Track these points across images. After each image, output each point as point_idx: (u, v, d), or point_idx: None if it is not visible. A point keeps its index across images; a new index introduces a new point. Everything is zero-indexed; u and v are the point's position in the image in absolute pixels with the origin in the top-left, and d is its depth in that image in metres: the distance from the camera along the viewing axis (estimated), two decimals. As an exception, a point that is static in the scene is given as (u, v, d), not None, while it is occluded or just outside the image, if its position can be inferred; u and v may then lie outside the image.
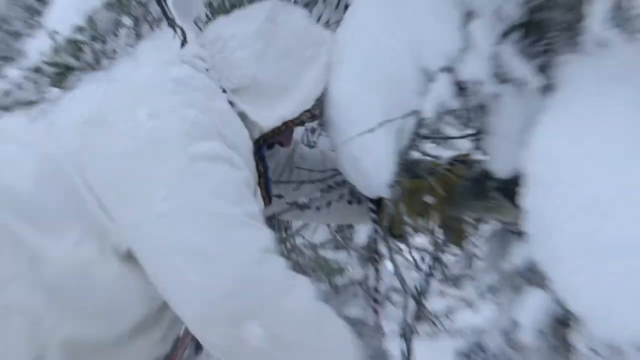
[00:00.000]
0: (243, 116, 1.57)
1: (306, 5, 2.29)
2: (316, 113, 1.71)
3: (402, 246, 1.97)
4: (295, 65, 1.64)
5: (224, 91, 1.58)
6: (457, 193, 1.78)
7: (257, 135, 1.62)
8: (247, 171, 1.48)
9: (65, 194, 1.38)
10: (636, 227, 1.29)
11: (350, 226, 2.31)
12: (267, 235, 1.37)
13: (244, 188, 1.43)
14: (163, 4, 1.58)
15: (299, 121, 1.70)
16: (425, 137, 1.84)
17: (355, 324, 1.40)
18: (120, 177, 1.36)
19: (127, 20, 1.63)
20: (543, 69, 1.57)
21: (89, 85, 1.57)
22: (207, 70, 1.58)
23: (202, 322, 1.28)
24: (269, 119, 1.59)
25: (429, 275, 1.82)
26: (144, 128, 1.37)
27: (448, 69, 1.49)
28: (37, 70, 1.53)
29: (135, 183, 1.35)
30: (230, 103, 1.57)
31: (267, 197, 1.76)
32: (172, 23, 1.57)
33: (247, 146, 1.56)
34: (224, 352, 1.32)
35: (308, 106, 1.64)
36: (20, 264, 1.32)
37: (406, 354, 1.53)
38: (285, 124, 1.64)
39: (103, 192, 1.37)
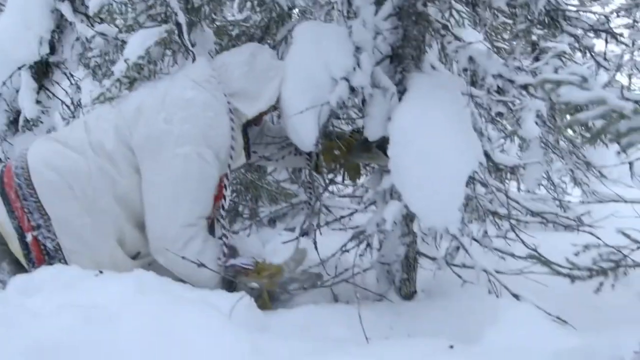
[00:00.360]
0: (235, 110, 2.34)
1: (274, 47, 3.09)
2: (276, 106, 2.43)
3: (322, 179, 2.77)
4: (264, 81, 2.36)
5: (225, 95, 2.32)
6: (354, 149, 2.53)
7: (244, 121, 2.39)
8: (213, 163, 2.23)
9: (124, 148, 2.23)
10: (443, 165, 2.07)
11: (299, 170, 3.17)
12: (196, 218, 2.21)
13: (200, 181, 2.22)
14: (182, 39, 2.45)
15: (267, 112, 2.50)
16: (337, 117, 2.74)
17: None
18: (145, 148, 2.21)
19: (168, 52, 2.48)
20: (400, 81, 2.39)
21: (143, 89, 2.39)
22: (219, 83, 2.33)
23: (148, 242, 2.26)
24: (252, 110, 2.36)
25: (339, 195, 2.73)
26: (160, 127, 2.20)
27: (346, 79, 2.23)
28: (118, 80, 2.36)
29: (149, 156, 2.21)
30: (228, 102, 2.32)
31: (248, 154, 2.56)
32: (187, 49, 2.45)
33: (225, 136, 2.27)
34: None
35: (272, 103, 2.37)
36: (107, 184, 2.19)
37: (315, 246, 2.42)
38: (261, 113, 2.42)
39: (136, 152, 2.22)
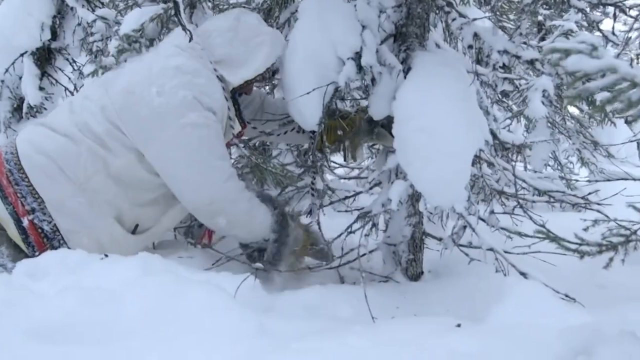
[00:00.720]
0: (221, 78, 2.25)
1: (277, 29, 3.05)
2: (265, 76, 2.43)
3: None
4: (250, 47, 2.28)
5: (211, 62, 2.24)
6: (359, 130, 2.50)
7: (231, 88, 2.30)
8: (218, 124, 2.19)
9: (114, 130, 2.14)
10: (449, 143, 2.05)
11: (304, 153, 3.16)
12: (229, 169, 2.21)
13: (215, 140, 2.18)
14: (179, 17, 2.40)
15: (254, 80, 2.38)
16: (342, 98, 2.71)
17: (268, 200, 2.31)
18: (145, 128, 2.14)
19: (165, 31, 2.43)
20: (404, 60, 2.35)
21: (128, 64, 2.31)
22: (202, 49, 2.24)
23: (195, 214, 2.29)
24: (236, 79, 2.27)
25: (348, 178, 2.71)
26: (154, 102, 2.11)
27: (353, 58, 2.19)
28: (113, 56, 2.33)
29: (155, 134, 2.13)
30: (215, 69, 2.24)
31: (242, 122, 2.46)
32: (184, 28, 2.40)
33: (221, 101, 2.21)
34: (209, 226, 2.33)
35: (260, 72, 2.29)
36: (98, 164, 2.12)
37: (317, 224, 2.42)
38: (247, 82, 2.31)
39: (133, 136, 2.13)
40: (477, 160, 2.29)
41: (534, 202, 2.69)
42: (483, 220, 2.28)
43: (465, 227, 2.13)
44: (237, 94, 2.42)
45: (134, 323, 1.40)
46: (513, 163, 2.46)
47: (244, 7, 3.46)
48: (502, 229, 2.42)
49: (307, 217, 2.38)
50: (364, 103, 2.99)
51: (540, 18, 5.38)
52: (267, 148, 3.51)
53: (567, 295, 1.80)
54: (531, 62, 2.04)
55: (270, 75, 2.54)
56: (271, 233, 2.28)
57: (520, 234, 2.41)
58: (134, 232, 2.25)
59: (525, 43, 2.11)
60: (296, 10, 3.42)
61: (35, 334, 1.25)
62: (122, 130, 2.15)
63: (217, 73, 2.28)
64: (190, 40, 2.25)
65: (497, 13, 4.39)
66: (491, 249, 2.01)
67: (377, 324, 1.67)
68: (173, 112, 2.12)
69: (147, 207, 2.26)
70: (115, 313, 1.40)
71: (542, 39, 4.81)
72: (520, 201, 2.59)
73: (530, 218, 2.02)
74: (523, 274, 1.91)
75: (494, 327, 1.64)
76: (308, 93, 2.18)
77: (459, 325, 1.69)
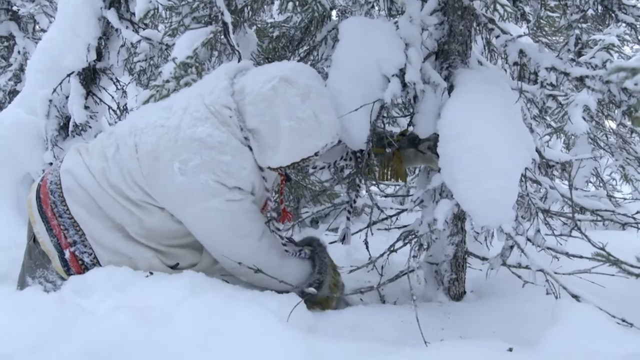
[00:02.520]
0: (252, 149, 2.04)
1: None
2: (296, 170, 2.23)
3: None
4: (279, 130, 1.98)
5: (242, 129, 2.02)
6: (407, 154, 2.45)
7: (263, 167, 2.08)
8: (246, 197, 2.03)
9: (144, 195, 2.05)
10: (496, 161, 1.97)
11: (341, 169, 3.09)
12: (256, 240, 2.04)
13: (240, 218, 2.02)
14: (228, 38, 2.44)
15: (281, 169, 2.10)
16: (384, 117, 2.66)
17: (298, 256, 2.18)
18: (169, 201, 2.04)
19: (215, 53, 2.43)
20: (447, 77, 2.32)
21: (161, 111, 2.11)
22: (230, 117, 2.01)
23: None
24: (261, 162, 2.06)
25: (385, 196, 2.65)
26: (177, 179, 1.97)
27: (397, 75, 2.17)
28: (167, 81, 2.30)
29: (178, 209, 2.04)
30: (246, 138, 2.03)
31: (286, 176, 2.30)
32: (233, 49, 2.41)
33: (249, 179, 2.04)
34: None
35: (283, 165, 2.03)
36: (133, 219, 2.07)
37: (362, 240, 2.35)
38: (271, 169, 2.08)
39: (161, 201, 2.05)
40: (523, 178, 2.22)
41: (579, 220, 2.60)
42: (529, 239, 2.20)
43: (512, 246, 2.06)
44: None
45: (186, 343, 1.38)
46: (564, 181, 2.37)
47: (283, 25, 3.51)
48: (549, 248, 2.34)
49: (341, 243, 2.33)
50: (402, 122, 2.98)
51: (576, 32, 5.27)
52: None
53: (623, 320, 1.71)
54: (580, 79, 1.98)
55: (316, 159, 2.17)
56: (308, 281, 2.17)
57: (567, 255, 2.34)
58: (173, 267, 2.18)
59: (573, 60, 2.04)
60: (333, 29, 3.46)
61: (92, 355, 1.24)
62: (151, 195, 2.08)
63: (249, 143, 2.06)
64: (239, 61, 2.18)
65: (535, 29, 4.32)
66: (541, 270, 1.93)
67: (429, 348, 1.62)
68: (195, 195, 2.00)
69: (186, 249, 2.20)
70: (167, 333, 1.39)
71: (579, 53, 4.70)
72: (564, 220, 2.50)
73: (589, 240, 1.93)
74: (575, 297, 1.83)
75: (548, 352, 1.57)
76: (355, 110, 2.13)
77: (510, 350, 1.63)
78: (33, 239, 2.17)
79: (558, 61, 2.05)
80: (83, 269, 2.10)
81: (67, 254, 2.09)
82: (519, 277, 2.08)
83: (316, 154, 2.06)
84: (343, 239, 2.33)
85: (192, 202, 2.01)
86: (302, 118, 1.98)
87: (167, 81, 2.30)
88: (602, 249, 1.71)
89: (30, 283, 2.15)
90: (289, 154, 2.01)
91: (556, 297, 1.92)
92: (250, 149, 2.06)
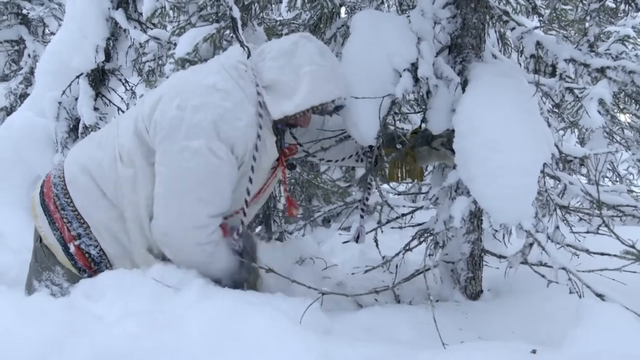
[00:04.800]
0: (263, 105, 2.00)
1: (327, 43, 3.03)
2: (317, 111, 2.02)
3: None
4: (298, 76, 1.99)
5: (257, 85, 2.00)
6: (419, 154, 2.36)
7: (272, 119, 2.02)
8: (227, 161, 1.92)
9: (140, 144, 1.98)
10: (515, 157, 1.90)
11: (353, 168, 3.02)
12: (205, 218, 1.92)
13: (208, 178, 1.91)
14: (237, 34, 2.36)
15: (298, 116, 2.03)
16: (395, 113, 2.59)
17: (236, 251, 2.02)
18: (156, 136, 1.94)
19: (220, 51, 2.34)
20: (460, 72, 2.26)
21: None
22: (246, 71, 2.00)
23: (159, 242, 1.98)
24: (275, 111, 2.00)
25: (398, 193, 2.58)
26: (170, 112, 1.93)
27: (409, 70, 2.10)
28: (167, 77, 2.25)
29: (160, 144, 1.93)
30: (259, 93, 2.00)
31: (281, 149, 2.16)
32: (242, 44, 2.33)
33: (243, 130, 1.95)
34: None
35: (302, 109, 1.99)
36: (127, 188, 1.98)
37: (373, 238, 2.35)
38: (288, 117, 2.01)
39: (151, 138, 1.96)
40: (541, 174, 2.14)
41: (598, 216, 2.51)
42: (549, 237, 2.12)
43: (531, 244, 1.98)
44: (281, 125, 2.15)
45: (198, 348, 1.33)
46: (578, 176, 2.28)
47: (292, 22, 3.46)
48: (568, 245, 2.26)
49: (355, 241, 2.26)
50: (414, 118, 2.91)
51: (587, 25, 5.15)
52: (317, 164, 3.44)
53: (651, 320, 1.63)
54: (601, 70, 1.90)
55: (329, 110, 2.13)
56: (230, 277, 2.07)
57: (588, 252, 2.26)
58: (163, 259, 2.07)
59: (592, 50, 1.96)
60: (342, 26, 3.40)
61: (100, 363, 1.19)
62: (146, 139, 2.01)
63: (260, 99, 2.03)
64: (248, 57, 2.14)
65: (546, 22, 4.23)
66: (563, 268, 1.86)
67: (448, 351, 1.55)
68: (182, 130, 1.93)
69: None
70: (178, 338, 1.33)
71: (591, 46, 4.59)
72: (581, 216, 2.42)
73: (618, 238, 1.85)
74: (600, 296, 1.75)
75: (574, 354, 1.50)
76: (363, 97, 2.06)
77: (534, 352, 1.56)
78: (39, 240, 2.12)
79: (577, 52, 1.97)
80: (90, 262, 2.05)
81: (72, 248, 2.04)
82: (543, 276, 2.00)
83: (333, 102, 2.05)
84: (357, 238, 2.26)
85: (175, 136, 1.93)
86: (321, 64, 2.02)
87: (167, 77, 2.22)
88: (632, 246, 1.63)
89: (37, 286, 2.10)
90: (309, 95, 2.00)
91: (580, 296, 1.84)
92: (260, 104, 2.02)
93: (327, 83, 2.01)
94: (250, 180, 2.04)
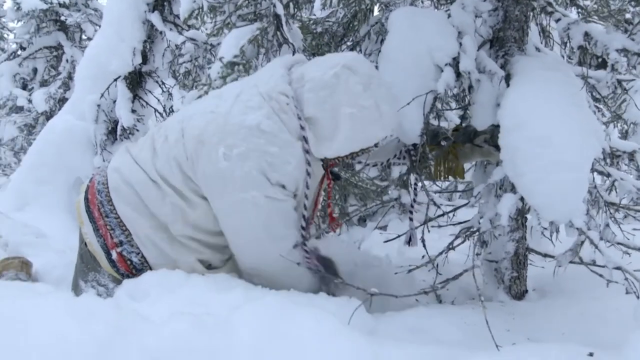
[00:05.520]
0: (307, 140, 1.93)
1: (357, 44, 2.95)
2: (353, 159, 2.02)
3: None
4: (338, 118, 1.89)
5: (299, 118, 1.92)
6: (461, 151, 2.32)
7: (318, 157, 1.97)
8: (285, 199, 1.92)
9: (188, 181, 1.98)
10: (565, 152, 1.84)
11: (389, 167, 2.95)
12: (281, 248, 1.92)
13: (274, 219, 1.92)
14: (282, 31, 2.31)
15: (339, 160, 2.02)
16: (438, 110, 2.53)
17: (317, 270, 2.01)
18: (209, 185, 1.95)
19: (262, 50, 2.33)
20: (503, 65, 2.19)
21: (212, 99, 2.06)
22: (288, 104, 1.91)
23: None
24: (317, 152, 1.95)
25: (438, 191, 2.50)
26: (220, 164, 1.90)
27: (451, 64, 2.06)
28: (215, 80, 2.24)
29: (215, 194, 1.94)
30: (302, 128, 1.92)
31: (332, 175, 2.16)
32: (287, 41, 2.29)
33: (294, 174, 1.92)
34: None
35: (341, 154, 1.94)
36: (177, 213, 1.98)
37: (419, 237, 2.22)
38: (328, 159, 1.98)
39: (201, 186, 1.96)
40: (591, 170, 2.05)
41: (646, 213, 2.41)
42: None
43: (582, 242, 1.90)
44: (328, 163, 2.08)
45: (248, 350, 1.31)
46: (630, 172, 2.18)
47: (326, 20, 3.42)
48: (619, 244, 2.17)
49: (408, 245, 2.21)
50: (451, 116, 2.83)
51: (628, 15, 4.98)
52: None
53: None
54: (657, 60, 1.81)
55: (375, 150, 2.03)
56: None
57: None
58: (208, 267, 2.10)
59: (645, 40, 1.87)
60: (376, 23, 3.35)
61: (152, 364, 1.17)
62: (194, 180, 2.00)
63: (304, 133, 1.94)
64: (293, 53, 2.09)
65: (586, 13, 4.08)
66: (619, 268, 1.77)
67: (502, 352, 1.49)
68: (235, 183, 1.91)
69: (223, 251, 2.12)
70: (228, 339, 1.31)
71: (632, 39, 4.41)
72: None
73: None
74: (659, 296, 1.67)
75: (637, 359, 1.42)
76: (408, 104, 2.03)
77: (591, 355, 1.49)
78: (85, 244, 2.14)
79: (630, 42, 1.88)
80: (132, 268, 2.04)
81: (114, 255, 2.04)
82: (601, 275, 1.91)
83: (376, 145, 1.95)
84: (409, 241, 2.20)
85: (230, 189, 1.92)
86: (363, 106, 1.89)
87: (215, 80, 2.21)
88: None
89: (83, 287, 2.12)
90: (348, 142, 1.92)
91: (638, 297, 1.75)
92: (305, 140, 1.94)
93: (369, 126, 1.92)
94: (305, 207, 2.03)
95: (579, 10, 3.45)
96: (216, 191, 1.96)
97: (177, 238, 2.04)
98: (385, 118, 1.93)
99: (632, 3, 2.15)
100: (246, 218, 1.94)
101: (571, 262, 1.98)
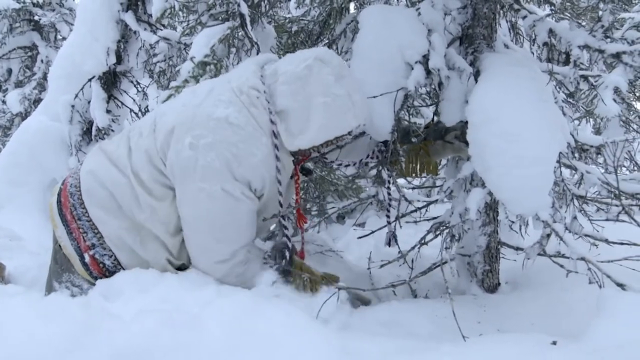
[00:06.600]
0: (277, 134, 1.94)
1: (333, 42, 2.98)
2: (335, 144, 2.00)
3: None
4: (312, 107, 1.91)
5: (270, 112, 1.93)
6: (433, 148, 2.35)
7: (291, 150, 1.97)
8: (245, 198, 1.92)
9: (157, 174, 1.98)
10: (531, 147, 1.87)
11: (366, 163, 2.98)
12: (226, 253, 1.92)
13: (225, 218, 1.92)
14: (246, 30, 2.34)
15: (313, 151, 2.02)
16: (409, 107, 2.57)
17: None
18: (173, 174, 1.95)
19: (232, 50, 2.34)
20: (472, 62, 2.24)
21: (182, 97, 2.08)
22: (258, 97, 1.93)
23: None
24: (290, 144, 1.95)
25: (412, 188, 2.53)
26: (183, 152, 1.91)
27: (421, 62, 2.09)
28: (186, 80, 2.25)
29: (178, 182, 1.94)
30: (272, 122, 1.93)
31: (299, 170, 2.14)
32: (251, 41, 2.31)
33: (259, 170, 1.92)
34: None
35: (316, 143, 1.94)
36: (149, 212, 1.98)
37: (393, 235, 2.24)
38: (302, 150, 1.98)
39: (168, 173, 1.96)
40: (557, 163, 2.11)
41: (617, 205, 2.47)
42: (566, 227, 2.09)
43: (549, 235, 1.96)
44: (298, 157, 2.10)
45: (217, 345, 1.33)
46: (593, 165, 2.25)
47: (301, 19, 3.44)
48: (587, 236, 2.23)
49: (388, 246, 2.24)
50: (425, 111, 2.88)
51: (600, 13, 5.08)
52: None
53: (674, 309, 1.59)
54: (617, 56, 1.86)
55: (347, 141, 2.09)
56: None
57: (607, 242, 2.23)
58: (180, 268, 2.09)
59: (607, 36, 1.93)
60: (352, 21, 3.38)
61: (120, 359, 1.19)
62: (162, 170, 2.01)
63: (274, 128, 1.97)
64: (257, 53, 2.11)
65: (557, 11, 4.16)
66: (582, 258, 1.83)
67: (468, 343, 1.53)
68: (196, 172, 1.92)
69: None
70: (197, 335, 1.33)
71: (605, 32, 4.50)
72: (626, 208, 2.36)
73: (639, 225, 1.82)
74: (621, 286, 1.72)
75: (596, 345, 1.47)
76: (375, 97, 2.06)
77: (554, 343, 1.54)
78: (59, 246, 2.14)
79: (591, 38, 1.94)
80: (105, 271, 2.04)
81: (87, 258, 2.04)
82: (562, 266, 1.97)
83: (349, 134, 1.98)
84: (389, 243, 2.24)
85: (191, 178, 1.93)
86: (337, 95, 1.92)
87: (186, 81, 2.22)
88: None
89: (57, 288, 2.12)
90: (322, 130, 1.93)
91: (600, 287, 1.81)
92: (275, 135, 1.96)
93: (342, 114, 1.94)
94: (281, 204, 2.04)
95: (552, 7, 3.53)
96: (178, 179, 1.97)
97: (150, 237, 2.03)
98: (358, 107, 1.96)
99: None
100: (199, 209, 1.94)
101: (541, 254, 2.03)
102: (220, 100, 1.97)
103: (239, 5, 2.20)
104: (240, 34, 2.28)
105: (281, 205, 2.06)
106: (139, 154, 2.04)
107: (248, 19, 2.07)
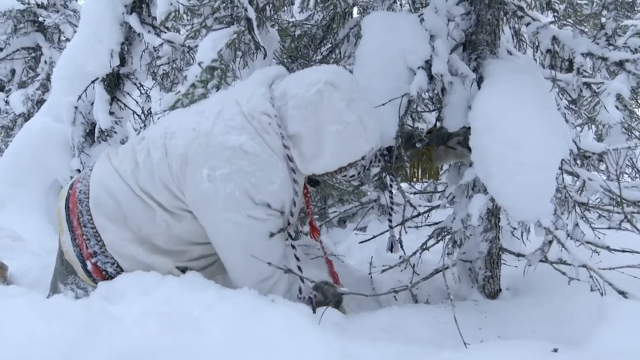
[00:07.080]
0: (291, 158, 1.96)
1: (336, 46, 2.98)
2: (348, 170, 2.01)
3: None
4: (323, 135, 1.91)
5: (282, 137, 1.94)
6: (437, 152, 2.34)
7: (305, 174, 2.01)
8: (270, 218, 1.94)
9: (174, 199, 1.99)
10: (533, 153, 1.89)
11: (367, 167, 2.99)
12: (265, 269, 1.91)
13: (257, 240, 1.93)
14: (253, 34, 2.36)
15: (326, 175, 2.04)
16: (412, 112, 2.58)
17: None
18: (195, 206, 1.97)
19: (238, 53, 2.33)
20: (475, 69, 2.24)
21: (194, 116, 2.04)
22: (270, 124, 1.93)
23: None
24: (304, 168, 1.97)
25: (414, 193, 2.54)
26: (203, 184, 1.92)
27: (424, 67, 2.10)
28: (193, 85, 2.25)
29: (201, 214, 1.97)
30: (285, 146, 1.94)
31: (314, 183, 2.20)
32: (257, 45, 2.32)
33: (278, 194, 1.94)
34: None
35: (330, 170, 1.97)
36: (163, 227, 2.00)
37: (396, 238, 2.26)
38: (316, 175, 2.02)
39: (188, 203, 1.97)
40: (559, 170, 2.11)
41: (619, 212, 2.47)
42: (568, 234, 2.09)
43: (551, 242, 1.96)
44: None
45: (217, 348, 1.33)
46: (596, 172, 2.25)
47: (305, 23, 3.45)
48: (588, 243, 2.23)
49: (389, 252, 2.25)
50: (428, 117, 2.88)
51: (603, 20, 5.09)
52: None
53: (676, 317, 1.59)
54: (620, 64, 1.87)
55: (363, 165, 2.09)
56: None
57: (609, 249, 2.23)
58: (183, 271, 2.10)
59: (610, 44, 1.93)
60: (355, 26, 3.39)
61: (121, 363, 1.19)
62: (181, 198, 2.02)
63: (288, 152, 1.97)
64: (264, 57, 2.10)
65: (560, 18, 4.17)
66: (584, 266, 1.83)
67: (469, 350, 1.53)
68: (219, 203, 1.93)
69: (202, 260, 2.14)
70: (198, 338, 1.33)
71: (608, 39, 4.51)
72: (629, 216, 2.35)
73: (640, 233, 1.82)
74: (622, 293, 1.72)
75: (597, 353, 1.47)
76: (383, 104, 2.07)
77: (555, 350, 1.54)
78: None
79: (594, 46, 1.95)
80: (107, 277, 2.05)
81: (89, 265, 2.05)
82: (563, 273, 1.97)
83: (362, 158, 1.99)
84: (392, 248, 2.24)
85: (214, 209, 1.95)
86: (348, 122, 1.92)
87: (194, 86, 2.22)
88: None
89: (62, 289, 2.13)
90: (335, 158, 1.96)
91: (601, 294, 1.81)
92: (290, 159, 1.97)
93: (355, 141, 1.95)
94: (289, 222, 2.06)
95: (555, 14, 3.54)
96: (202, 211, 1.99)
97: (157, 249, 2.05)
98: (370, 131, 1.96)
99: (610, 7, 2.18)
100: (228, 237, 1.97)
101: (543, 261, 2.03)
102: (232, 126, 1.96)
103: (246, 9, 2.21)
104: (247, 38, 2.28)
105: (289, 223, 2.07)
106: (150, 177, 2.04)
107: (255, 23, 2.08)
